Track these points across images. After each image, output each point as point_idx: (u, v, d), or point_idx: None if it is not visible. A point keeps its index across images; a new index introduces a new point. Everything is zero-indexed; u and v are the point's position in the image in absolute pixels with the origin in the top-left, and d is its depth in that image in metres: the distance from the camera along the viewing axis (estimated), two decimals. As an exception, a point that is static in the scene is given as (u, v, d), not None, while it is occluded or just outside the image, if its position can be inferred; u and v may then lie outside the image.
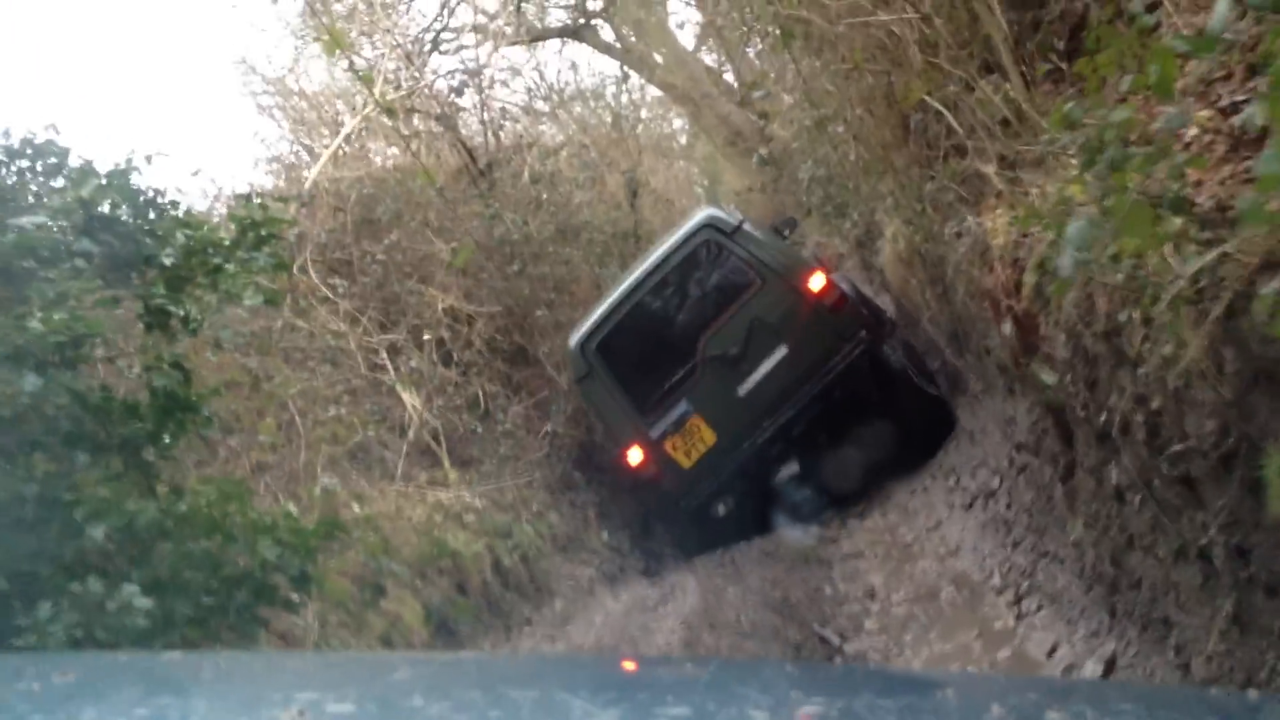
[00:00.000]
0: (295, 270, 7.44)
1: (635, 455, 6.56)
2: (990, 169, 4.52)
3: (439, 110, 9.36)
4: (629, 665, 2.20)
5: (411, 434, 6.42)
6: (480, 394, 7.36)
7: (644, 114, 20.18)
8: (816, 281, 6.44)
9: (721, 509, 6.77)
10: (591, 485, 7.55)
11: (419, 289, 7.81)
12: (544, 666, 1.95)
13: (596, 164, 13.57)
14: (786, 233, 7.73)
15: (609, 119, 19.20)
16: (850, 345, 6.42)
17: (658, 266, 6.68)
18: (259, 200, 3.75)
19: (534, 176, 9.31)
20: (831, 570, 5.90)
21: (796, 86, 6.24)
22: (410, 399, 6.75)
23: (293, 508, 4.19)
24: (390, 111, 9.57)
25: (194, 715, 1.22)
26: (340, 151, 9.10)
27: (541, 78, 20.94)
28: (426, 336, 7.23)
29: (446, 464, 6.51)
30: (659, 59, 15.75)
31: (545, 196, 9.04)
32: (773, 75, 7.09)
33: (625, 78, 18.39)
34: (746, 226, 6.65)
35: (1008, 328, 4.32)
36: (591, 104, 19.17)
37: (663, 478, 6.61)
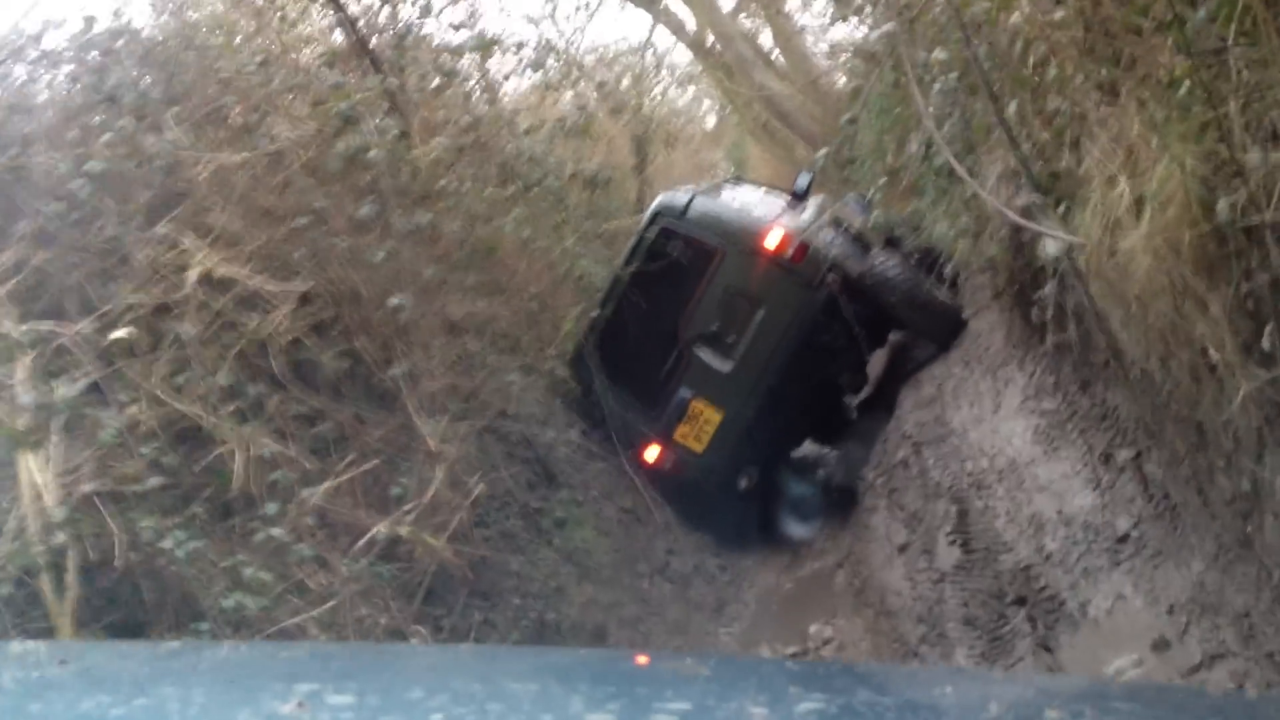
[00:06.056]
0: None
1: (651, 452, 6.69)
2: None
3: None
4: (629, 660, 2.12)
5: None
6: (240, 459, 3.55)
7: (672, 87, 17.66)
8: (773, 238, 6.52)
9: (744, 482, 6.77)
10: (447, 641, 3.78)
11: (170, 236, 4.03)
12: (544, 660, 1.78)
13: (588, 104, 10.03)
14: (805, 194, 7.26)
15: (626, 80, 16.39)
16: (818, 291, 6.49)
17: (626, 264, 6.86)
18: None
19: (446, 69, 5.47)
20: None
21: None
22: (33, 471, 2.98)
23: None
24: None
25: (194, 706, 1.16)
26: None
27: (558, 33, 18.10)
28: (117, 334, 3.43)
29: (69, 631, 2.74)
30: (689, 17, 13.74)
31: (451, 94, 5.19)
32: None
33: (650, 44, 15.93)
34: (697, 202, 6.78)
35: None
36: (614, 68, 16.56)
37: (682, 469, 6.66)
